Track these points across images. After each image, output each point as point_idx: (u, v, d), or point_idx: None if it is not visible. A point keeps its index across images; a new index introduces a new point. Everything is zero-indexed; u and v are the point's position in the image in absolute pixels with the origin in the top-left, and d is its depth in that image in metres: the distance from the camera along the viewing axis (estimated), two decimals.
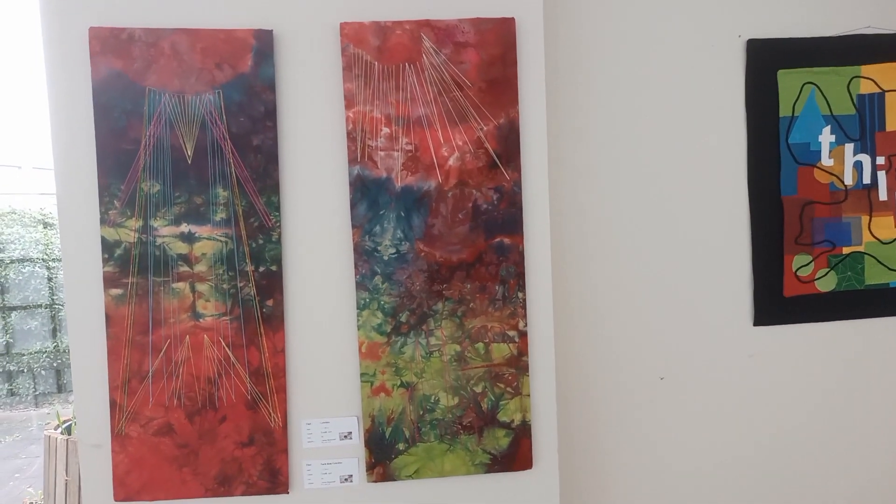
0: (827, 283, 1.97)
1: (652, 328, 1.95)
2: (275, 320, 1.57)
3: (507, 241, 1.63)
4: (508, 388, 1.65)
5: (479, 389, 1.65)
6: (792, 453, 2.01)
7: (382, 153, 1.59)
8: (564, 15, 1.84)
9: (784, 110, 1.93)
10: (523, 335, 1.65)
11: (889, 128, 1.95)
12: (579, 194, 1.88)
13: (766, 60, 1.92)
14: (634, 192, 1.91)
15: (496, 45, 1.60)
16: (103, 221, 1.52)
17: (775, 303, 1.97)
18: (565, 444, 1.84)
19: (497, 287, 1.64)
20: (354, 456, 1.63)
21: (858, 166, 1.96)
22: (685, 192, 1.93)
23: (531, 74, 1.64)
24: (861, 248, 1.97)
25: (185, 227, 1.54)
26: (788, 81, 1.92)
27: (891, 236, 1.97)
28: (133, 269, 1.53)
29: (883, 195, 1.96)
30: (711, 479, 1.99)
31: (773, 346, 1.98)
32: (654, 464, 1.97)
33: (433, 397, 1.63)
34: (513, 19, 1.61)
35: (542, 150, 1.65)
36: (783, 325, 1.98)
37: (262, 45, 1.55)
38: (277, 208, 1.57)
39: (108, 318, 1.52)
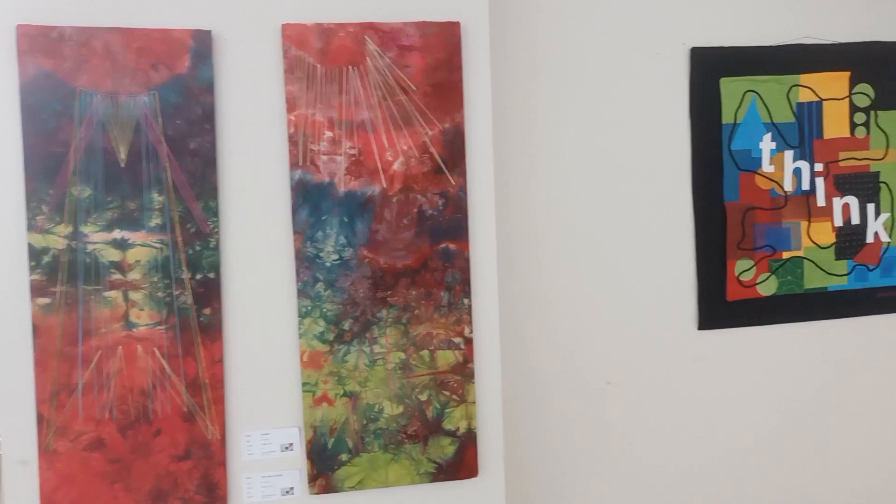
0: (768, 288, 2.01)
1: (599, 333, 1.96)
2: (212, 329, 1.52)
3: (452, 246, 1.62)
4: (454, 396, 1.64)
5: (424, 397, 1.62)
6: (740, 455, 2.04)
7: (325, 157, 1.56)
8: (511, 20, 1.84)
9: (726, 117, 1.96)
10: (469, 342, 1.64)
11: (827, 135, 2.00)
12: (526, 200, 1.88)
13: (710, 68, 1.94)
14: (581, 198, 1.92)
15: (441, 49, 1.59)
16: (30, 227, 1.45)
17: (719, 307, 1.99)
18: (513, 451, 1.83)
19: (442, 293, 1.62)
20: (296, 468, 1.59)
21: (797, 173, 2.00)
22: (631, 198, 1.94)
23: (477, 79, 1.63)
24: (800, 253, 2.01)
25: (117, 234, 1.48)
26: (731, 89, 1.95)
27: (828, 241, 2.02)
28: (62, 277, 1.46)
29: (821, 201, 2.01)
30: (660, 483, 2.01)
31: (718, 349, 2.01)
32: (603, 470, 1.97)
33: (377, 406, 1.60)
34: (458, 23, 1.59)
35: (488, 155, 1.64)
36: (727, 329, 2.01)
37: (201, 45, 1.51)
38: (215, 214, 1.52)
39: (35, 328, 1.46)
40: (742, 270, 1.99)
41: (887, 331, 2.07)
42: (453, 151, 1.61)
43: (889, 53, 2.01)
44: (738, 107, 1.96)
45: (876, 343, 2.07)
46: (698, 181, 1.96)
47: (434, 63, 1.59)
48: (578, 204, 1.92)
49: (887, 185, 2.03)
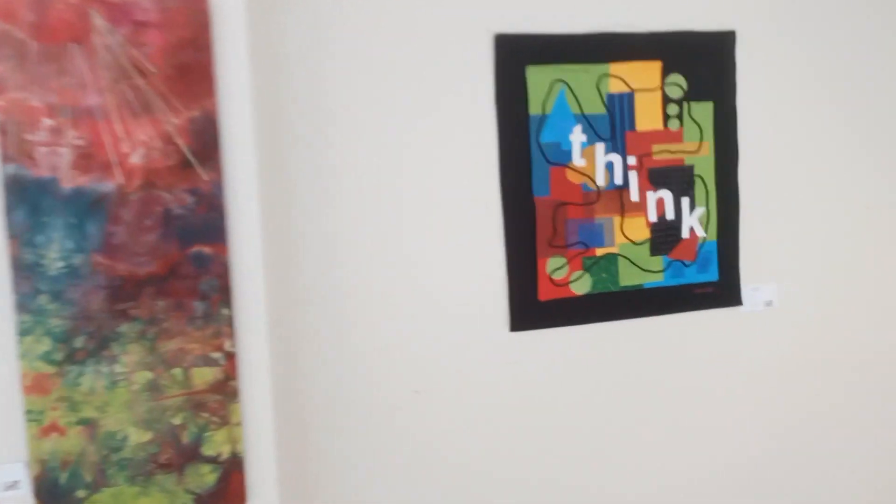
0: (582, 286, 1.92)
1: (404, 339, 1.82)
2: None
3: (207, 250, 1.43)
4: (214, 418, 1.46)
5: (177, 421, 1.44)
6: (555, 459, 1.95)
7: (44, 149, 1.34)
8: None
9: (534, 108, 1.85)
10: (230, 357, 1.46)
11: (639, 128, 1.93)
12: (309, 196, 1.71)
13: (515, 56, 1.83)
14: (377, 193, 1.77)
15: (185, 26, 1.40)
16: None
17: (531, 307, 1.89)
18: (297, 474, 1.67)
19: (196, 303, 1.43)
20: None
21: (610, 167, 1.92)
22: (434, 193, 1.81)
23: (232, 61, 1.45)
24: (615, 250, 1.93)
25: None
26: (538, 78, 1.85)
27: (642, 237, 1.95)
28: None
29: (634, 196, 1.94)
30: (474, 495, 1.89)
31: (531, 351, 1.91)
32: (413, 483, 1.84)
33: (120, 434, 1.41)
34: None
35: (248, 146, 1.46)
36: (540, 330, 1.91)
37: None
38: None
39: None
40: (554, 269, 1.89)
41: (704, 326, 2.03)
42: (205, 142, 1.42)
43: (701, 43, 1.96)
44: (547, 97, 1.86)
45: (694, 339, 2.03)
46: (506, 176, 1.85)
47: (177, 42, 1.39)
48: (374, 200, 1.77)
49: (702, 178, 1.98)
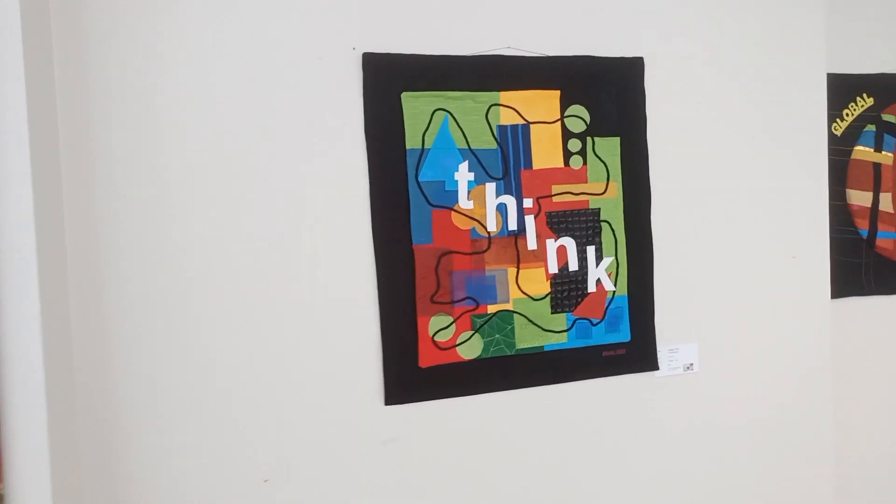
0: (471, 349, 1.63)
1: (254, 417, 1.50)
2: None
3: None
4: None
5: None
6: None
7: None
8: None
9: (412, 141, 1.58)
10: None
11: (536, 165, 1.67)
12: (143, 263, 1.39)
13: (388, 80, 1.57)
14: (222, 242, 1.46)
15: None
16: None
17: (410, 375, 1.60)
18: None
19: None
20: None
21: (503, 210, 1.65)
22: (293, 240, 1.51)
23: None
24: (509, 307, 1.65)
25: None
26: (416, 107, 1.58)
27: (542, 291, 1.68)
28: None
29: (532, 244, 1.67)
30: None
31: (412, 428, 1.60)
32: None
33: None
34: None
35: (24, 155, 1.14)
36: (421, 403, 1.61)
37: None
38: None
39: None
40: (438, 329, 1.60)
41: (615, 395, 1.75)
42: None
43: (605, 71, 1.72)
44: (427, 128, 1.59)
45: (603, 409, 1.75)
46: (379, 220, 1.57)
47: None
48: (212, 250, 1.46)
49: (609, 224, 1.73)
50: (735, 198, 1.84)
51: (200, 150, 1.45)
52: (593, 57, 1.71)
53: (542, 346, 1.69)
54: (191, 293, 1.45)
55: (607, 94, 1.72)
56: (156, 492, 1.45)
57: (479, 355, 1.64)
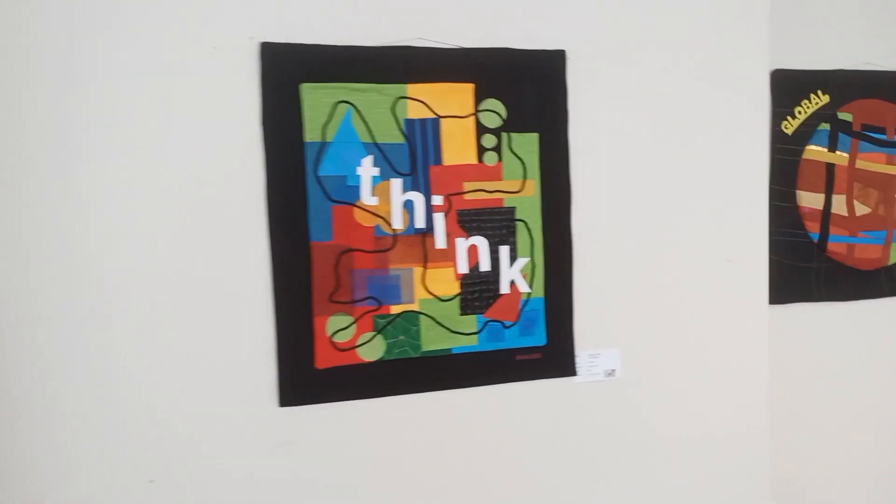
0: (373, 351, 1.58)
1: (141, 414, 1.46)
2: None
3: None
4: None
5: None
6: None
7: None
8: None
9: (311, 134, 1.52)
10: None
11: (446, 161, 1.61)
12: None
13: (287, 71, 1.51)
14: (99, 234, 1.42)
15: None
16: None
17: (306, 377, 1.55)
18: None
19: None
20: None
21: (409, 206, 1.59)
22: (182, 235, 1.47)
23: None
24: (414, 307, 1.60)
25: None
26: (316, 98, 1.52)
27: (450, 292, 1.62)
28: None
29: (441, 242, 1.61)
30: None
31: (307, 432, 1.56)
32: None
33: None
34: None
35: None
36: (318, 405, 1.56)
37: None
38: None
39: None
40: (336, 330, 1.55)
41: (528, 400, 1.69)
42: None
43: (524, 64, 1.65)
44: (328, 121, 1.53)
45: (514, 416, 1.69)
46: (276, 216, 1.52)
47: None
48: (101, 244, 1.42)
49: (525, 223, 1.66)
50: (665, 198, 1.76)
51: (90, 143, 1.40)
52: (511, 49, 1.64)
53: (450, 349, 1.63)
54: (77, 288, 1.42)
55: (526, 88, 1.64)
56: (38, 490, 1.41)
57: (382, 357, 1.59)
